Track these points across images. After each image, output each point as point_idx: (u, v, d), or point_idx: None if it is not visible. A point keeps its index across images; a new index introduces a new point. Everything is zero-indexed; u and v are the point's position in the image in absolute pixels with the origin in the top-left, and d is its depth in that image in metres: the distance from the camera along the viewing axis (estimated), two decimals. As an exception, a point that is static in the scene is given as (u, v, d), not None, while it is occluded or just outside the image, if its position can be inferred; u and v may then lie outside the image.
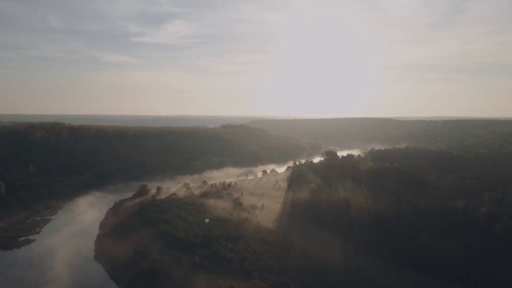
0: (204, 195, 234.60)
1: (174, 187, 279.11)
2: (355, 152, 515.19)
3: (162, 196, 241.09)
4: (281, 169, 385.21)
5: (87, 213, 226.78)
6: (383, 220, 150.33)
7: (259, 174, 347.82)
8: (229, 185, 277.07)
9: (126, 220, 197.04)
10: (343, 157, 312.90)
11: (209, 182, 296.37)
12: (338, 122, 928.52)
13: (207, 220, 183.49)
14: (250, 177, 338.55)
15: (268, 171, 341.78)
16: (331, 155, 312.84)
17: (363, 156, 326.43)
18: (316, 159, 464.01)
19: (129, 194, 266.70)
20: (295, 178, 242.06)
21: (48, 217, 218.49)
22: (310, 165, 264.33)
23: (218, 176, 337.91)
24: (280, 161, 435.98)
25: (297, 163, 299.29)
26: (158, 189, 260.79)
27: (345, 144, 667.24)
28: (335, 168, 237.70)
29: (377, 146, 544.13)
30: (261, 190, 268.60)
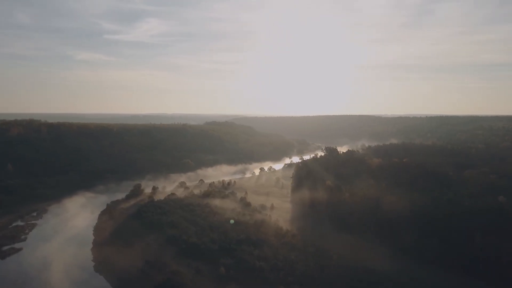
0: (207, 195, 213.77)
1: (169, 186, 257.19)
2: (345, 149, 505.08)
3: (160, 196, 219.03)
4: (277, 166, 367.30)
5: (78, 216, 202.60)
6: (425, 221, 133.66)
7: (256, 172, 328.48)
8: (229, 183, 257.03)
9: (124, 224, 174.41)
10: (344, 153, 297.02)
11: (206, 181, 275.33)
12: (321, 119, 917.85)
13: (232, 221, 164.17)
14: (248, 175, 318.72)
15: (266, 169, 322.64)
16: (331, 151, 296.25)
17: (362, 152, 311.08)
18: (307, 156, 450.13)
19: (121, 195, 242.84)
20: (304, 175, 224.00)
21: (33, 222, 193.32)
22: (317, 161, 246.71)
23: (213, 174, 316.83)
24: (273, 158, 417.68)
25: (301, 159, 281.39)
26: (154, 189, 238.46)
27: (331, 141, 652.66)
28: (346, 164, 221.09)
29: (366, 143, 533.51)
30: (264, 188, 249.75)
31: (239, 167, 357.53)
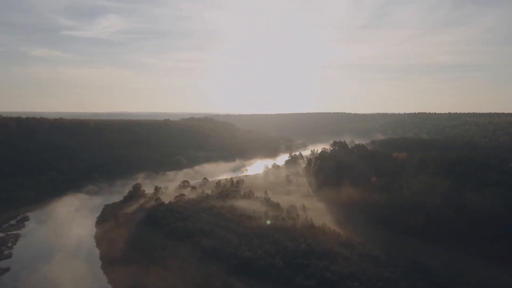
0: (224, 195, 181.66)
1: (170, 186, 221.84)
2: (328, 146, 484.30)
3: (165, 198, 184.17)
4: (272, 163, 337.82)
5: (69, 223, 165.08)
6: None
7: (255, 169, 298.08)
8: (238, 182, 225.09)
9: (139, 233, 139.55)
10: (354, 147, 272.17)
11: (210, 179, 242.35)
12: (296, 117, 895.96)
13: (268, 222, 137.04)
14: (249, 172, 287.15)
15: (264, 165, 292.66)
16: (340, 145, 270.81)
17: (374, 146, 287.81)
18: (297, 153, 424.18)
19: (117, 196, 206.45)
20: (330, 171, 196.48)
21: (14, 233, 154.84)
22: (337, 155, 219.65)
23: (211, 172, 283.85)
24: (265, 154, 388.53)
25: (313, 152, 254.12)
26: (157, 189, 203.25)
27: (312, 138, 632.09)
28: (373, 159, 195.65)
29: (351, 139, 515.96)
30: (279, 187, 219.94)
31: (236, 163, 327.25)
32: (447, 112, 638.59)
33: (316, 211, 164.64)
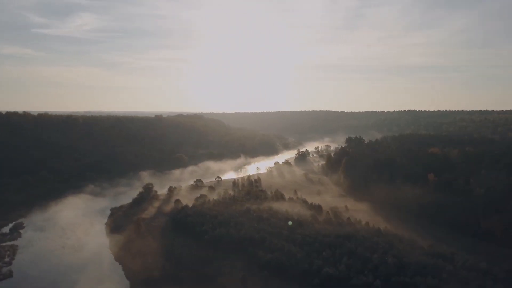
0: (253, 196, 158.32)
1: (181, 185, 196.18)
2: (327, 143, 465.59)
3: (183, 199, 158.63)
4: (275, 160, 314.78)
5: (75, 231, 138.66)
6: None
7: (262, 166, 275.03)
8: (256, 181, 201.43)
9: (170, 244, 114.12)
10: (368, 143, 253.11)
11: (212, 177, 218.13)
12: (282, 115, 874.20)
13: (290, 223, 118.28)
14: (256, 170, 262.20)
15: (280, 162, 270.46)
16: (356, 141, 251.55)
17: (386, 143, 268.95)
18: (307, 149, 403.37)
19: (123, 198, 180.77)
20: (364, 169, 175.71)
21: (10, 244, 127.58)
22: (369, 152, 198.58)
23: (217, 170, 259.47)
24: (265, 151, 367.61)
25: (327, 149, 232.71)
26: (171, 189, 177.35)
27: (302, 136, 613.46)
28: (407, 155, 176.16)
29: (348, 136, 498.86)
30: (304, 186, 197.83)
31: (240, 161, 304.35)
32: (436, 110, 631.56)
33: (363, 213, 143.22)
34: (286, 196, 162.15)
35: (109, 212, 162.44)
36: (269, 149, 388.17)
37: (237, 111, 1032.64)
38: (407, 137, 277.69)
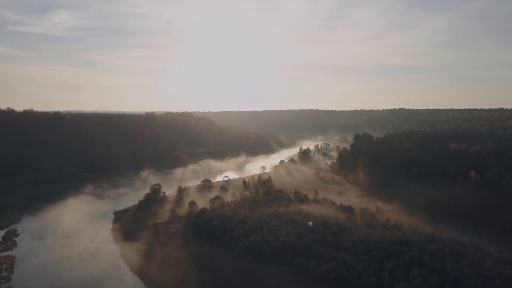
0: (274, 198, 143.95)
1: (187, 185, 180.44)
2: (321, 141, 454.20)
3: (195, 200, 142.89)
4: (277, 158, 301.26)
5: (78, 238, 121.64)
6: None
7: (264, 165, 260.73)
8: (267, 180, 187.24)
9: (199, 253, 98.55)
10: (377, 140, 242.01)
11: (231, 177, 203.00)
12: (269, 114, 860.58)
13: (310, 224, 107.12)
14: (258, 169, 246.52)
15: (283, 161, 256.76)
16: (365, 138, 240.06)
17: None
18: (296, 148, 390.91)
19: (125, 200, 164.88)
20: (387, 167, 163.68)
21: (6, 254, 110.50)
22: (389, 150, 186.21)
23: (220, 168, 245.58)
24: (264, 150, 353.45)
25: (338, 147, 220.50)
26: (180, 190, 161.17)
27: (293, 134, 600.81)
28: (430, 152, 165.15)
29: (344, 135, 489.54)
30: (321, 186, 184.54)
31: (241, 159, 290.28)
32: (425, 108, 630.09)
33: (397, 214, 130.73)
34: (309, 197, 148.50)
35: (112, 216, 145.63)
36: (265, 148, 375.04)
37: (224, 110, 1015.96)
38: (414, 134, 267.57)
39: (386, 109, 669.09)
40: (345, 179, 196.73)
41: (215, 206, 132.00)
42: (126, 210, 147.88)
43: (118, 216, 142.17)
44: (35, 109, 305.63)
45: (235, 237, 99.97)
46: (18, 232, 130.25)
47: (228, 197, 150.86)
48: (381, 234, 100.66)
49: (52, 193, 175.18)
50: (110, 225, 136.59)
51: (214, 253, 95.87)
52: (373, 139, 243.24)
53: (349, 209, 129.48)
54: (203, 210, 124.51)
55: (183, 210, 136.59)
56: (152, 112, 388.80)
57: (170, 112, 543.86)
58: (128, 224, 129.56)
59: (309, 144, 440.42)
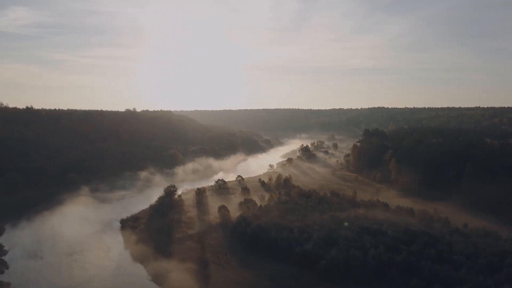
0: (320, 200, 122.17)
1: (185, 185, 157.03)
2: (308, 141, 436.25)
3: (215, 204, 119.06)
4: (271, 157, 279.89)
5: (87, 255, 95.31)
6: None
7: (266, 163, 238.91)
8: (287, 180, 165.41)
9: (272, 276, 75.01)
10: (397, 136, 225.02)
11: (234, 176, 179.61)
12: (244, 113, 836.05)
13: (346, 224, 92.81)
14: (275, 168, 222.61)
15: (286, 159, 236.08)
16: (378, 134, 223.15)
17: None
18: (286, 147, 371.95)
19: (129, 204, 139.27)
20: (429, 164, 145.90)
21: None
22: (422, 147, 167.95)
23: (222, 167, 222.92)
24: (254, 149, 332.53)
25: (301, 149, 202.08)
26: (200, 193, 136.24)
27: (272, 133, 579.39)
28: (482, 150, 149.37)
29: (332, 133, 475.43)
30: (347, 185, 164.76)
31: (240, 158, 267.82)
32: (403, 107, 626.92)
33: (462, 217, 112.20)
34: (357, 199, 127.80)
35: (116, 225, 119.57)
36: (255, 146, 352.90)
37: (197, 109, 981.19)
38: (427, 130, 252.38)
39: (364, 108, 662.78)
40: (369, 178, 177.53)
41: (257, 212, 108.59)
42: (136, 218, 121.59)
43: (126, 225, 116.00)
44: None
45: (309, 252, 77.35)
46: (5, 248, 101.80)
47: (257, 200, 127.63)
48: (486, 243, 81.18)
49: (37, 198, 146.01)
50: (120, 237, 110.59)
51: (291, 274, 72.88)
52: (386, 135, 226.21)
53: (410, 212, 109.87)
54: (244, 218, 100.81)
55: (213, 217, 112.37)
56: (134, 109, 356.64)
57: (147, 110, 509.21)
58: (147, 235, 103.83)
59: (297, 143, 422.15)
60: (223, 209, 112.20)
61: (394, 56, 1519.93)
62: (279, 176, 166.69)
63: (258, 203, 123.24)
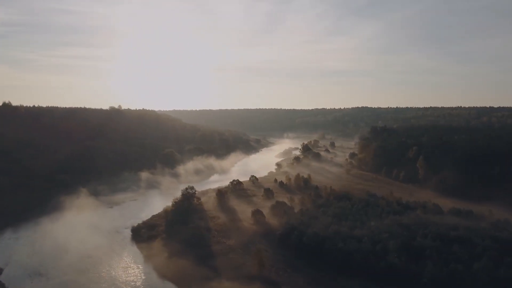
0: (365, 203, 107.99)
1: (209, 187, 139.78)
2: (297, 141, 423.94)
3: (238, 207, 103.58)
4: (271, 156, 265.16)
5: (105, 276, 77.15)
6: None
7: (267, 163, 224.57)
8: (307, 180, 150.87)
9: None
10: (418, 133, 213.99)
11: (228, 177, 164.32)
12: (225, 113, 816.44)
13: None
14: (284, 167, 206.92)
15: (284, 158, 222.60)
16: (387, 131, 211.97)
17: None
18: (278, 146, 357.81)
19: (136, 207, 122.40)
20: (466, 162, 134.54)
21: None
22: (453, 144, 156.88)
23: (224, 167, 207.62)
24: (247, 148, 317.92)
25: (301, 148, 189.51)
26: (220, 194, 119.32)
27: (257, 132, 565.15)
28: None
29: (321, 132, 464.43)
30: (371, 185, 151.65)
31: (240, 156, 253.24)
32: (387, 106, 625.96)
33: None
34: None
35: (126, 232, 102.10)
36: (246, 146, 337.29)
37: (176, 109, 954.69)
38: (438, 128, 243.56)
39: (348, 108, 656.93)
40: (391, 177, 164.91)
41: (294, 216, 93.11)
42: (151, 226, 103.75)
43: (140, 234, 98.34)
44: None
45: (397, 266, 62.57)
46: (0, 265, 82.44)
47: (287, 203, 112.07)
48: None
49: (28, 202, 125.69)
50: (135, 248, 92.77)
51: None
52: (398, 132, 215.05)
53: (470, 215, 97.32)
54: (293, 225, 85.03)
55: (247, 223, 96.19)
56: (120, 106, 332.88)
57: (131, 109, 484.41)
58: (174, 248, 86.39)
59: (286, 142, 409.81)
60: (257, 214, 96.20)
61: (368, 58, 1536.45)
62: (297, 176, 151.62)
63: (289, 204, 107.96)
